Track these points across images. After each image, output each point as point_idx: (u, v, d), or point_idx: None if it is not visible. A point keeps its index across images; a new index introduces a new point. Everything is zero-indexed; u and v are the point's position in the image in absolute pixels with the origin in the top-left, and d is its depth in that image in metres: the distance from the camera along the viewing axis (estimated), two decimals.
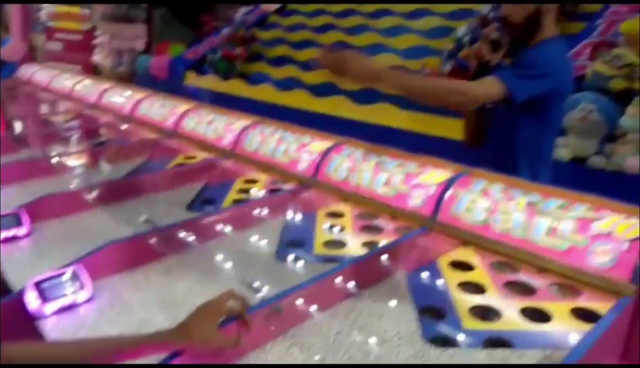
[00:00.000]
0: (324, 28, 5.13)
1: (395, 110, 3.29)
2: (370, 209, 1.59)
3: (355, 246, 1.39)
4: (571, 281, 1.12)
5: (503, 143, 1.72)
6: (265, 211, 1.60)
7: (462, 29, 3.42)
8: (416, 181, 1.49)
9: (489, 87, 1.59)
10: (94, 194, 1.67)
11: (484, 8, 3.46)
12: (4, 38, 6.09)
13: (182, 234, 1.35)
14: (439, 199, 1.39)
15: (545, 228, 1.17)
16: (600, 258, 1.07)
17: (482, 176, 1.42)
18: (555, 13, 1.66)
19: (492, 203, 1.29)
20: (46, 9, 8.47)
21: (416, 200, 1.45)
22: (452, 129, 2.87)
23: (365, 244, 1.40)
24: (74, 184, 1.83)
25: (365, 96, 3.63)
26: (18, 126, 2.84)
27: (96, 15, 7.35)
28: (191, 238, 1.36)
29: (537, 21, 1.66)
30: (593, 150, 2.23)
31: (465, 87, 1.65)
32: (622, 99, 2.20)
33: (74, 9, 8.40)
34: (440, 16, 4.35)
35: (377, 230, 1.50)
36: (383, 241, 1.39)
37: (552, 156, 1.77)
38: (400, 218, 1.50)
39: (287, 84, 4.32)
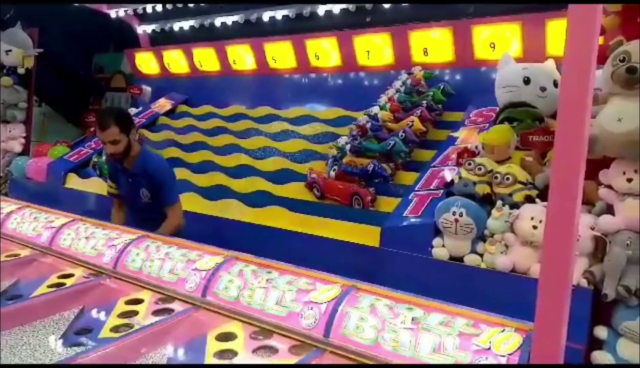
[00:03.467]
0: (215, 131, 5.22)
1: (284, 212, 3.37)
2: (264, 328, 1.54)
3: None
4: None
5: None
6: (148, 341, 1.48)
7: (343, 138, 3.69)
8: (307, 299, 1.49)
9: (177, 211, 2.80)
10: None
11: (362, 119, 3.79)
12: None
13: None
14: (331, 319, 1.39)
15: (431, 346, 1.21)
16: None
17: (368, 290, 1.47)
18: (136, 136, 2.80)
19: (380, 321, 1.32)
20: None
21: (308, 320, 1.44)
22: (338, 230, 3.03)
23: None
24: None
25: (256, 199, 3.68)
26: None
27: None
28: None
29: (129, 145, 2.69)
30: (467, 250, 2.42)
31: (178, 221, 2.75)
32: (487, 202, 2.47)
33: None
34: (323, 122, 4.68)
35: (272, 350, 1.45)
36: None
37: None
38: (292, 337, 1.47)
39: (177, 187, 4.24)
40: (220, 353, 1.43)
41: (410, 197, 2.92)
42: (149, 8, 6.63)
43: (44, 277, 2.00)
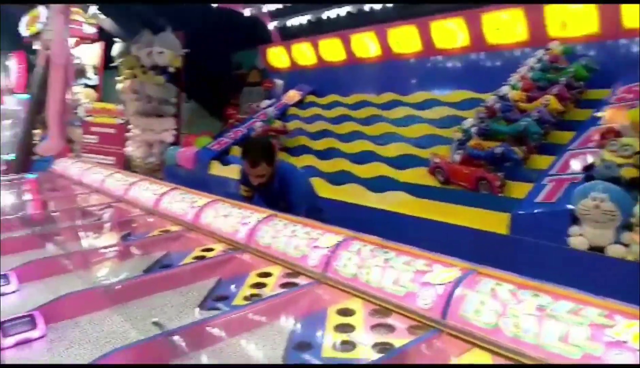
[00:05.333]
0: (340, 119, 5.36)
1: (406, 197, 3.35)
2: (383, 306, 1.57)
3: (365, 349, 1.36)
4: None
5: None
6: (274, 310, 1.59)
7: (469, 120, 3.54)
8: (425, 280, 1.48)
9: None
10: (110, 293, 1.70)
11: (490, 100, 3.59)
12: (43, 135, 6.53)
13: (187, 339, 1.35)
14: (448, 300, 1.37)
15: (557, 334, 1.13)
16: None
17: (489, 274, 1.41)
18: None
19: (501, 306, 1.27)
20: (84, 105, 9.11)
21: (425, 300, 1.43)
22: (463, 216, 2.92)
23: (376, 345, 1.37)
24: (91, 283, 1.87)
25: (378, 184, 3.71)
26: (46, 220, 2.94)
27: (129, 111, 7.86)
28: (197, 342, 1.36)
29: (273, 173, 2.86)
30: (610, 239, 2.19)
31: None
32: (634, 187, 2.19)
33: (110, 106, 9.02)
34: (449, 106, 4.53)
35: (389, 329, 1.47)
36: (394, 343, 1.36)
37: None
38: (411, 317, 1.47)
39: (306, 173, 4.44)
40: (340, 327, 1.49)
41: (544, 182, 2.72)
42: (279, 5, 6.97)
43: (190, 250, 2.25)
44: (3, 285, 1.70)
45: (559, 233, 2.36)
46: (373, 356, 1.31)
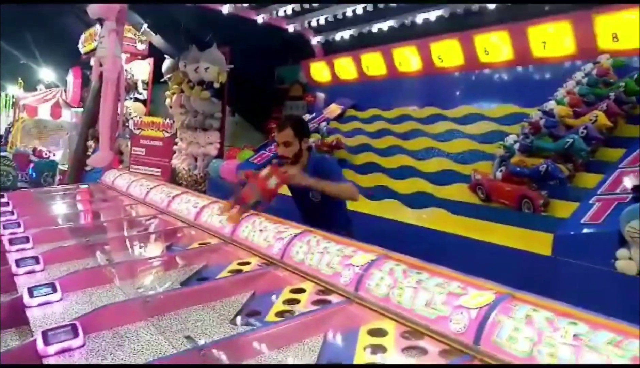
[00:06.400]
0: (380, 133, 5.34)
1: (445, 214, 3.28)
2: (414, 328, 1.54)
3: None
4: None
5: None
6: (306, 328, 1.59)
7: (511, 136, 3.45)
8: (458, 303, 1.45)
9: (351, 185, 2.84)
10: (147, 305, 1.75)
11: (535, 115, 3.49)
12: (95, 147, 6.86)
13: (218, 354, 1.37)
14: (481, 326, 1.33)
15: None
16: None
17: (525, 300, 1.36)
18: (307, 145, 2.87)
19: (536, 333, 1.22)
20: (134, 119, 9.50)
21: (458, 325, 1.39)
22: (503, 236, 2.82)
23: None
24: (131, 293, 1.93)
25: (416, 201, 3.66)
26: (93, 230, 3.07)
27: (176, 124, 8.13)
28: (228, 357, 1.38)
29: (300, 152, 2.82)
30: None
31: (352, 190, 2.79)
32: None
33: (157, 119, 9.37)
34: (492, 121, 4.43)
35: (421, 352, 1.44)
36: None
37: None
38: (443, 342, 1.44)
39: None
40: (371, 348, 1.47)
41: (591, 201, 2.61)
42: (322, 20, 7.06)
43: (227, 263, 2.29)
44: (50, 294, 1.79)
45: (606, 256, 2.25)
46: None
